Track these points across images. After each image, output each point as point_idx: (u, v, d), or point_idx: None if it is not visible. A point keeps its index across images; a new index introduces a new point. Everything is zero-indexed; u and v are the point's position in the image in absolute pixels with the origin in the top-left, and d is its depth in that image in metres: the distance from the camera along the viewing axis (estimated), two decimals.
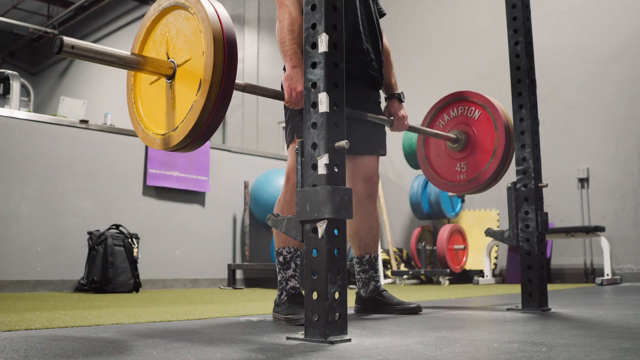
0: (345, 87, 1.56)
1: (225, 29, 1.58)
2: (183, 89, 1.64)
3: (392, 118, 2.45)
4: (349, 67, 1.99)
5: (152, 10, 1.78)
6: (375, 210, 2.41)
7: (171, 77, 1.68)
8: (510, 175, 2.52)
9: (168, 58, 1.70)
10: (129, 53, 1.67)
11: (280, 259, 2.16)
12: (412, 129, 2.52)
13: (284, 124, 2.38)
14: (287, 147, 2.26)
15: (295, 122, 2.19)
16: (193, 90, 1.59)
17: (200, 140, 1.64)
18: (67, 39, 1.48)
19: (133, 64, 1.64)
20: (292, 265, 2.15)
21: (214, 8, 1.61)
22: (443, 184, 2.76)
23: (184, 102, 1.63)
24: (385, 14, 2.51)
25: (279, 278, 2.16)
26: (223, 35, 1.57)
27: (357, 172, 2.37)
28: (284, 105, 2.19)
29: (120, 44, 11.09)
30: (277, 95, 1.99)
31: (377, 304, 2.35)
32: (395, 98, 2.49)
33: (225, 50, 1.56)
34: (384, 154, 2.46)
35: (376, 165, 2.42)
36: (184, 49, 1.66)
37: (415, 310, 2.28)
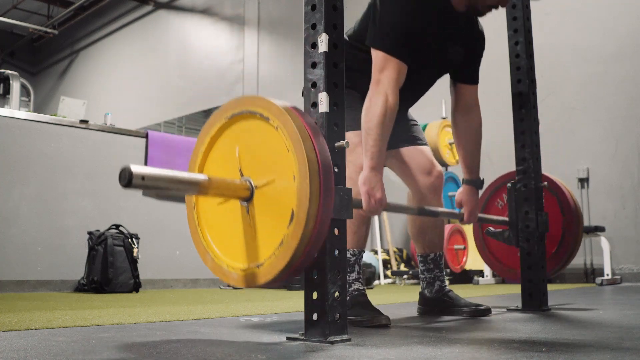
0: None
1: (318, 149, 1.32)
2: (266, 216, 1.39)
3: (462, 210, 2.24)
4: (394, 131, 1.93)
5: (217, 117, 1.52)
6: (440, 206, 2.23)
7: (248, 199, 1.43)
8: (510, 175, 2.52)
9: (242, 175, 1.45)
10: (204, 176, 1.38)
11: None
12: (480, 219, 2.30)
13: None
14: None
15: None
16: (281, 220, 1.33)
17: (290, 277, 1.40)
18: (136, 169, 1.19)
19: (208, 189, 1.36)
20: (357, 267, 2.05)
21: (303, 121, 1.35)
22: (505, 271, 2.60)
23: (268, 233, 1.37)
24: (476, 83, 2.22)
25: None
26: (317, 156, 1.31)
27: (413, 165, 2.26)
28: None
29: (121, 44, 11.10)
30: (358, 205, 1.77)
31: (443, 305, 2.22)
32: (472, 185, 2.26)
33: (320, 175, 1.31)
34: (427, 144, 2.34)
35: (429, 155, 2.28)
36: (264, 168, 1.40)
37: (485, 313, 2.14)
